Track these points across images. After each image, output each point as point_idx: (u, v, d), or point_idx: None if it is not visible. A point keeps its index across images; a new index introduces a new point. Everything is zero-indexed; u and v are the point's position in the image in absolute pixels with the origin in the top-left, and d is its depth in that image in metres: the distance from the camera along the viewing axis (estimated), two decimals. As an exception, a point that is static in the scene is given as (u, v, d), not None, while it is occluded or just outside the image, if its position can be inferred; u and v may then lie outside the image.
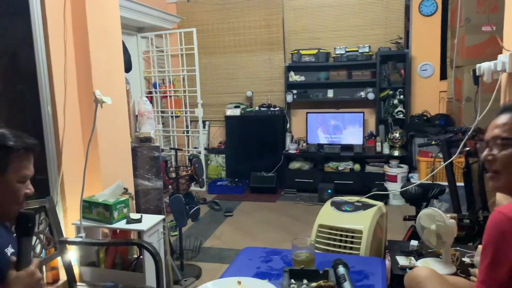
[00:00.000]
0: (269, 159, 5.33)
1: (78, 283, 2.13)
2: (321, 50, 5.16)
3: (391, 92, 5.06)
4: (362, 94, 5.14)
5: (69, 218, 2.40)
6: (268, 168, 5.31)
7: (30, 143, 1.09)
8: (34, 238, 1.99)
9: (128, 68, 3.68)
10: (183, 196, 3.09)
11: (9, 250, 1.14)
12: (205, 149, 5.62)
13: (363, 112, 5.17)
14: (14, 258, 1.13)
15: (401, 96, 4.99)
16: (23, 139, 1.07)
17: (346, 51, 5.09)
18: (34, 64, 2.29)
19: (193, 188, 3.47)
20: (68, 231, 2.33)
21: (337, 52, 5.14)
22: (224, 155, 5.68)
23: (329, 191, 4.75)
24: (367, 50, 5.03)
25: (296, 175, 5.19)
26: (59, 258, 2.12)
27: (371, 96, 5.03)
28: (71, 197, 2.40)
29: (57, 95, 2.33)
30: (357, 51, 5.06)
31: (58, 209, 2.30)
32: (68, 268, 2.11)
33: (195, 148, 5.60)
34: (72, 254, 2.20)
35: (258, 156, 5.39)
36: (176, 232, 3.69)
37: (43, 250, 2.04)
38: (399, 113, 5.03)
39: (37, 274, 1.13)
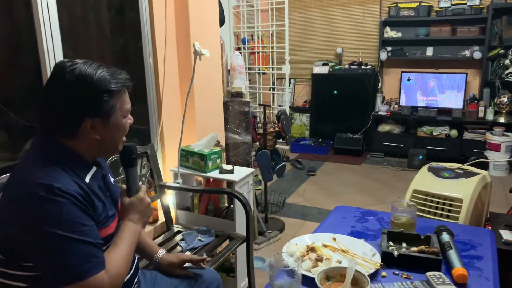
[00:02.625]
0: (356, 120, 5.14)
1: (174, 225, 2.30)
2: (422, 3, 4.70)
3: (502, 51, 4.49)
4: (467, 53, 4.64)
5: (167, 165, 2.56)
6: (354, 129, 5.13)
7: (125, 79, 1.10)
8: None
9: (221, 21, 3.70)
10: (270, 152, 3.13)
11: (111, 179, 1.23)
12: (290, 107, 5.58)
13: (466, 73, 4.69)
14: (124, 186, 1.23)
15: (515, 56, 4.42)
16: (118, 76, 1.08)
17: (452, 4, 4.58)
18: (138, 16, 2.39)
19: (278, 145, 3.48)
20: (166, 177, 2.49)
21: (441, 6, 4.64)
22: (308, 114, 5.60)
23: (420, 157, 4.49)
24: (477, 3, 4.47)
25: (385, 138, 4.96)
26: (158, 201, 2.29)
27: (477, 55, 4.52)
28: (169, 146, 2.55)
29: (158, 47, 2.42)
30: (465, 3, 4.52)
31: (158, 156, 2.46)
32: (166, 211, 2.27)
33: (280, 106, 5.59)
34: (170, 198, 2.37)
35: (344, 116, 5.23)
36: (260, 186, 3.79)
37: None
38: (509, 75, 4.47)
39: (146, 199, 1.21)
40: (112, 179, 1.24)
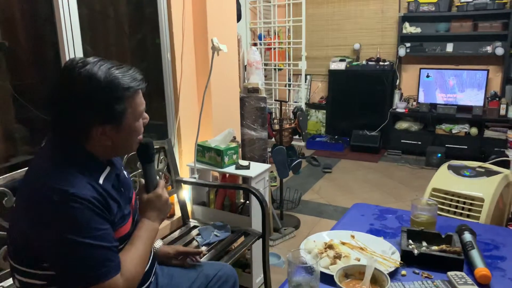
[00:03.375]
0: (374, 117, 5.08)
1: (190, 220, 2.31)
2: (443, -2, 4.60)
3: (525, 47, 4.37)
4: (489, 49, 4.53)
5: (184, 160, 2.57)
6: (371, 126, 5.07)
7: (139, 80, 1.05)
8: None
9: (238, 17, 3.69)
10: (286, 148, 3.11)
11: (125, 172, 1.22)
12: (306, 104, 5.54)
13: (487, 70, 4.58)
14: (143, 181, 1.22)
15: (539, 52, 4.29)
16: (130, 78, 1.02)
17: (474, -1, 4.47)
18: (156, 12, 2.39)
19: (294, 142, 3.46)
20: (183, 172, 2.50)
21: (462, 0, 4.54)
22: (324, 111, 5.55)
23: (439, 155, 4.41)
24: (500, -3, 4.35)
25: (403, 136, 4.89)
26: (175, 196, 2.30)
27: (499, 51, 4.40)
28: (186, 141, 2.56)
29: (176, 42, 2.43)
30: (488, -2, 4.40)
31: (174, 151, 2.47)
32: (182, 205, 2.29)
33: (296, 102, 5.55)
34: (186, 193, 2.38)
35: (361, 113, 5.17)
36: (275, 182, 3.78)
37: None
38: (533, 72, 4.35)
39: (164, 195, 1.21)
40: (125, 173, 1.22)
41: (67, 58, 1.87)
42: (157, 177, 1.26)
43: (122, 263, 1.03)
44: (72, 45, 1.89)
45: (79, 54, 1.91)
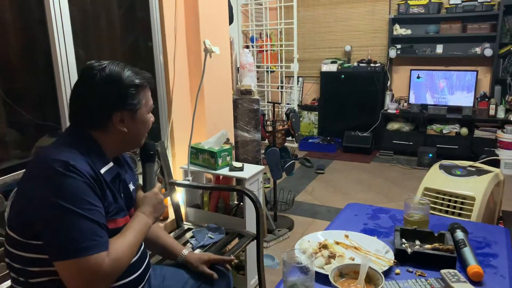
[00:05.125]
0: (365, 118, 5.11)
1: (184, 222, 2.30)
2: (432, 0, 4.65)
3: (513, 48, 4.44)
4: (478, 50, 4.59)
5: (177, 163, 2.56)
6: (363, 127, 5.11)
7: (149, 77, 1.19)
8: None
9: (230, 19, 3.70)
10: (279, 150, 3.12)
11: (131, 187, 1.26)
12: (298, 105, 5.57)
13: (477, 71, 4.64)
14: (139, 182, 1.28)
15: (526, 53, 4.36)
16: (143, 74, 1.17)
17: (463, 1, 4.53)
18: (148, 15, 2.39)
19: (287, 144, 3.47)
20: (176, 174, 2.50)
21: (451, 2, 4.60)
22: (317, 113, 5.58)
23: (430, 155, 4.45)
24: (488, 0, 4.42)
25: (394, 137, 4.93)
26: (168, 198, 2.29)
27: (488, 52, 4.47)
28: (179, 143, 2.56)
29: (168, 45, 2.43)
30: (476, 0, 4.46)
31: (168, 153, 2.47)
32: (176, 208, 2.28)
33: (288, 104, 5.57)
34: (180, 196, 2.37)
35: (353, 114, 5.20)
36: (269, 184, 3.79)
37: (161, 186, 2.22)
38: (521, 72, 4.41)
39: (159, 195, 1.25)
40: (132, 187, 1.26)
41: (59, 62, 1.87)
42: (155, 179, 1.29)
43: (111, 244, 1.03)
44: (64, 49, 1.88)
45: (71, 58, 1.91)
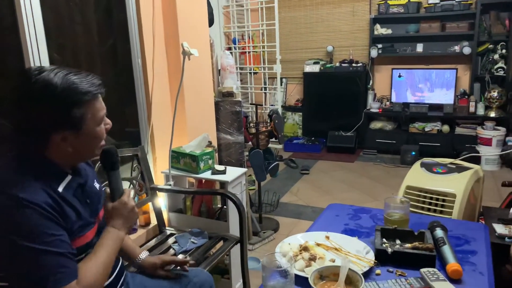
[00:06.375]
0: (349, 118, 5.14)
1: (167, 227, 2.27)
2: (411, 0, 4.71)
3: (491, 46, 4.52)
4: (457, 48, 4.66)
5: (158, 167, 2.53)
6: (347, 127, 5.14)
7: (97, 86, 1.04)
8: (128, 183, 2.14)
9: (210, 21, 3.68)
10: (263, 151, 3.11)
11: (96, 185, 1.21)
12: (282, 106, 5.57)
13: (456, 69, 4.71)
14: (108, 191, 1.21)
15: (503, 51, 4.44)
16: (88, 83, 1.02)
17: (441, 0, 4.59)
18: (125, 17, 2.35)
19: (271, 145, 3.46)
20: (158, 179, 2.46)
21: (430, 2, 4.67)
22: (301, 113, 5.59)
23: (413, 153, 4.50)
24: (466, -1, 4.49)
25: (377, 135, 4.97)
26: (150, 204, 2.26)
27: (467, 50, 4.54)
28: (160, 148, 2.52)
29: (146, 48, 2.39)
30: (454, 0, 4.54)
31: (148, 158, 2.43)
32: (158, 213, 2.25)
33: (272, 105, 5.57)
34: (162, 201, 2.34)
35: (336, 114, 5.23)
36: (253, 186, 3.77)
37: (136, 195, 2.19)
38: (499, 69, 4.50)
39: (130, 203, 1.18)
40: (97, 185, 1.21)
41: (32, 66, 1.81)
42: (123, 186, 1.24)
43: (80, 271, 1.00)
44: (37, 53, 1.83)
45: (45, 61, 1.86)
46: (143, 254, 1.41)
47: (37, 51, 1.83)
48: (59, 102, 0.98)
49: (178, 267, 1.45)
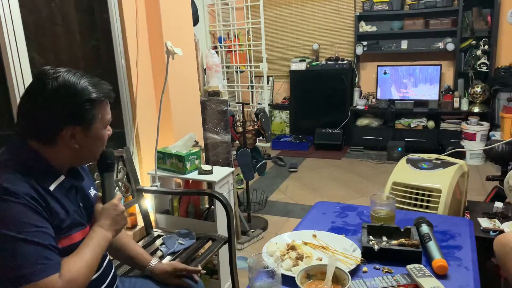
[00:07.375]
0: (335, 115, 5.17)
1: (154, 229, 2.24)
2: (395, -3, 4.75)
3: (473, 42, 4.58)
4: (440, 45, 4.72)
5: (144, 168, 2.50)
6: (334, 124, 5.16)
7: (108, 90, 1.11)
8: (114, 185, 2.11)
9: (195, 20, 3.66)
10: (250, 150, 3.10)
11: (92, 192, 1.22)
12: (269, 105, 5.57)
13: (440, 65, 4.77)
14: (99, 193, 1.22)
15: (486, 47, 4.51)
16: (101, 87, 1.09)
17: (424, -3, 4.64)
18: (108, 17, 2.32)
19: (259, 143, 3.46)
20: (144, 180, 2.44)
21: (413, -1, 4.70)
22: (288, 111, 5.60)
23: (399, 149, 4.54)
24: (448, -5, 4.54)
25: (364, 132, 5.00)
26: (136, 205, 2.23)
27: (450, 47, 4.60)
28: (146, 148, 2.49)
29: (130, 48, 2.36)
30: (437, -4, 4.59)
31: (134, 159, 2.40)
32: (145, 215, 2.22)
33: (259, 104, 5.56)
34: (148, 202, 2.31)
35: (323, 112, 5.25)
36: (242, 185, 3.76)
37: (122, 197, 2.16)
38: (482, 65, 4.56)
39: (119, 206, 1.18)
40: (93, 192, 1.22)
41: (12, 67, 1.78)
42: (115, 189, 1.23)
43: (63, 265, 0.98)
44: (17, 54, 1.79)
45: (25, 62, 1.82)
46: (154, 261, 1.40)
47: (17, 51, 1.79)
48: (75, 97, 1.03)
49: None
